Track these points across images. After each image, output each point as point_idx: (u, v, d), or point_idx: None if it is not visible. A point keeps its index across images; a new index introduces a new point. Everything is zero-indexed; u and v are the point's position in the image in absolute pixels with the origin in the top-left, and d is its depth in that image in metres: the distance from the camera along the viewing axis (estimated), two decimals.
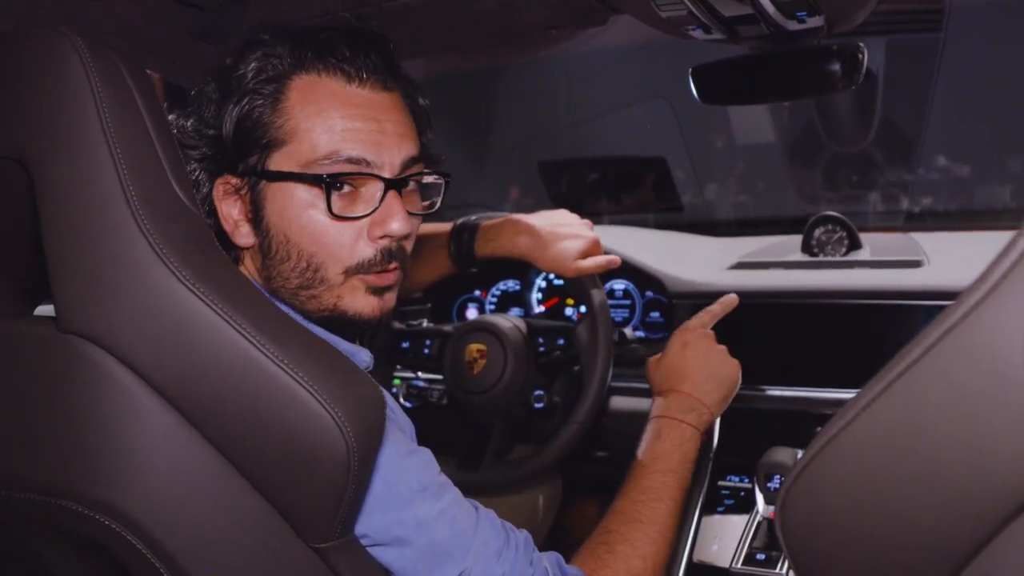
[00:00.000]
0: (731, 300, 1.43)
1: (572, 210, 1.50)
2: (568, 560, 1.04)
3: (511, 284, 2.04)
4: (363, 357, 0.98)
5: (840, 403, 1.63)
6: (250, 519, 0.78)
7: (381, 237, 0.94)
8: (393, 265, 0.96)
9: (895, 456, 0.50)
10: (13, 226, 0.81)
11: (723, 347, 1.34)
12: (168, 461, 0.76)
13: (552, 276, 2.00)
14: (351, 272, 0.94)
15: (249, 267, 0.98)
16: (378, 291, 0.97)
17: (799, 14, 1.09)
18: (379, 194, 0.93)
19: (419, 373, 1.81)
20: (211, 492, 0.77)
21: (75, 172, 0.74)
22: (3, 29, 1.03)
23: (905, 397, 0.49)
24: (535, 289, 2.02)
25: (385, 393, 0.84)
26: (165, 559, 0.75)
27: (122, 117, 0.75)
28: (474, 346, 1.60)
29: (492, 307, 2.06)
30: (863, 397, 0.52)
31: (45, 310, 0.83)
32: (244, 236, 0.95)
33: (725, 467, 1.56)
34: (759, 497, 1.36)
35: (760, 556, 1.36)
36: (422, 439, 0.96)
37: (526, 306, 2.02)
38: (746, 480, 1.53)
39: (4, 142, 0.76)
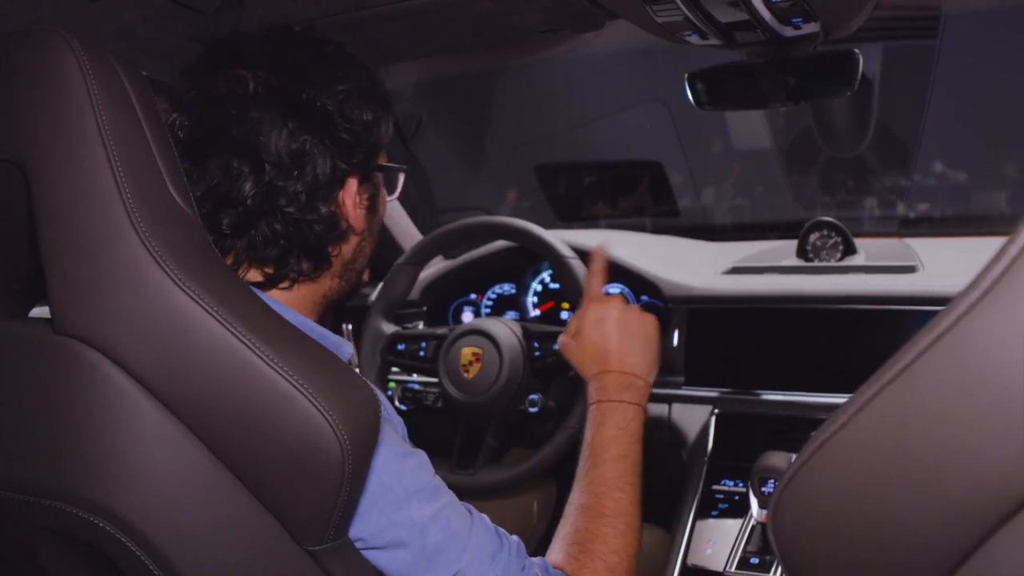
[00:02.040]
0: (602, 248, 1.36)
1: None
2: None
3: (507, 288, 2.05)
4: (347, 350, 0.99)
5: (835, 408, 1.65)
6: (244, 521, 0.78)
7: None
8: None
9: (886, 461, 0.51)
10: (10, 228, 0.81)
11: (634, 307, 1.30)
12: (162, 463, 0.76)
13: (547, 280, 2.00)
14: None
15: (344, 252, 1.02)
16: None
17: (795, 20, 1.09)
18: None
19: (414, 376, 1.82)
20: (205, 494, 0.77)
21: (71, 174, 0.74)
22: (0, 30, 1.03)
23: (897, 402, 0.50)
24: (530, 293, 2.02)
25: (379, 393, 0.84)
26: (159, 560, 0.75)
27: (118, 119, 0.75)
28: (469, 349, 1.61)
29: (488, 311, 2.06)
30: (856, 402, 0.52)
31: (41, 312, 0.83)
32: (363, 221, 1.03)
33: (719, 471, 1.56)
34: (753, 501, 1.36)
35: (754, 560, 1.36)
36: (417, 441, 0.97)
37: (522, 310, 2.02)
38: (740, 484, 1.53)
39: (0, 144, 0.76)
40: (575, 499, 1.13)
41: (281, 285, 0.97)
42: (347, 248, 1.01)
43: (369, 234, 1.05)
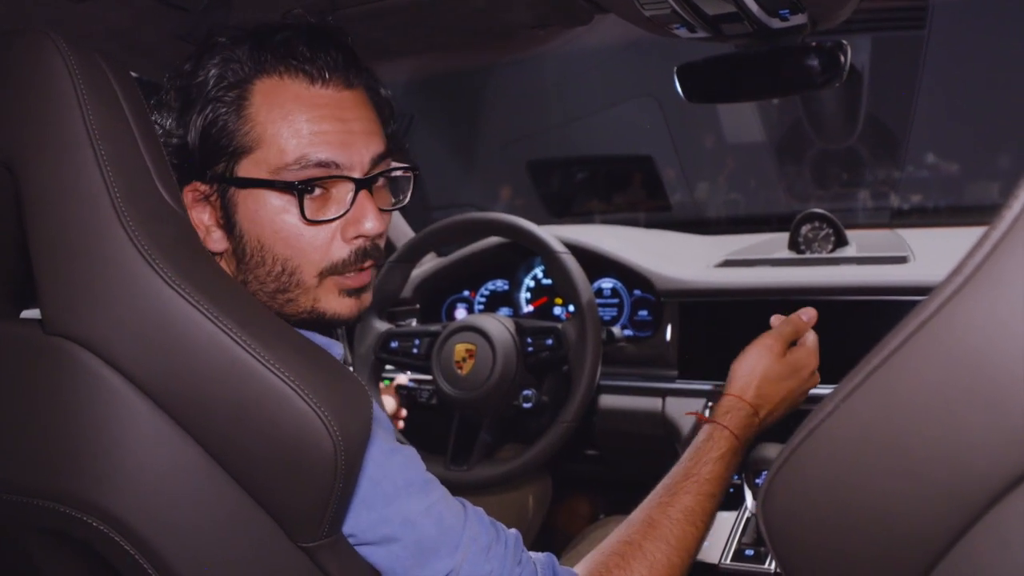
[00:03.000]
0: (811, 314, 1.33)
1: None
2: (575, 563, 1.01)
3: (500, 284, 2.05)
4: (337, 351, 0.95)
5: None
6: (238, 519, 0.78)
7: (355, 237, 0.92)
8: (368, 263, 0.95)
9: (872, 448, 0.51)
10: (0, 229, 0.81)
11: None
12: (156, 462, 0.76)
13: (540, 276, 2.00)
14: (326, 274, 0.92)
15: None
16: (354, 292, 0.95)
17: (782, 12, 1.09)
18: (351, 195, 0.91)
19: (408, 373, 1.82)
20: (199, 493, 0.77)
21: (60, 174, 0.74)
22: None
23: (882, 389, 0.50)
24: (523, 289, 2.02)
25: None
26: (153, 560, 0.76)
27: (106, 119, 0.75)
28: (463, 346, 1.61)
29: (481, 307, 2.06)
30: (842, 389, 0.53)
31: (32, 314, 0.83)
32: (216, 242, 0.93)
33: None
34: (747, 493, 1.36)
35: (749, 552, 1.36)
36: (411, 438, 0.97)
37: (515, 306, 2.02)
38: (735, 477, 1.53)
39: None
40: (649, 509, 1.07)
41: None
42: (224, 260, 0.94)
43: (250, 257, 0.91)
